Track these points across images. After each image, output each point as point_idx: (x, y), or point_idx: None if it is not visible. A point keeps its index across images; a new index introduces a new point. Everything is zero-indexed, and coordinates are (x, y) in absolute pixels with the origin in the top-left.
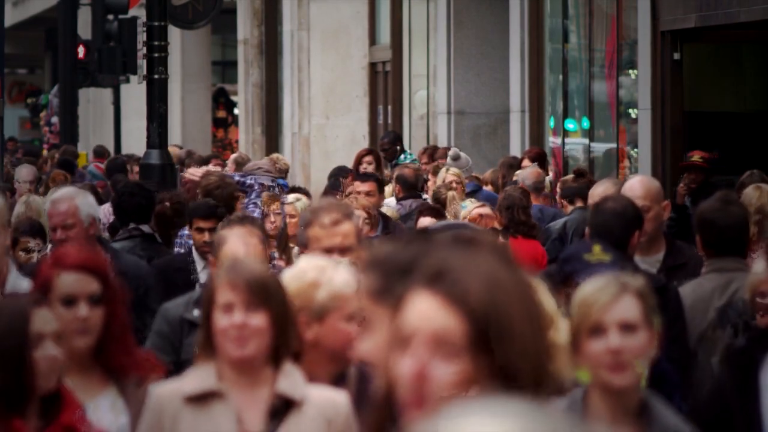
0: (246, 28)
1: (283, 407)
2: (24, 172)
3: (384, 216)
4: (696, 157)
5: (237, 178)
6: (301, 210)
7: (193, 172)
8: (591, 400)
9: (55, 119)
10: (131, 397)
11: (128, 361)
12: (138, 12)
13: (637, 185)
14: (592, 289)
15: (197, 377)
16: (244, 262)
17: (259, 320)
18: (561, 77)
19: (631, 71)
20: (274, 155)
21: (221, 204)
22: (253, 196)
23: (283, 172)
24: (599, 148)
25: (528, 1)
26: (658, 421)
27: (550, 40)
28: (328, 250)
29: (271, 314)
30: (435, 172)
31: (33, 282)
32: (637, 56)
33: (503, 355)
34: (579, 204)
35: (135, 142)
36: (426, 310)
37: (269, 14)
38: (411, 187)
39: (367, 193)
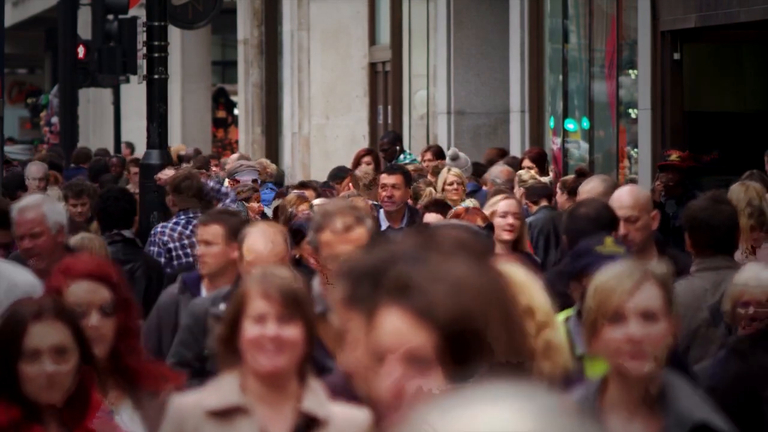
0: (246, 28)
1: (306, 426)
2: (34, 170)
3: (411, 209)
4: (674, 156)
5: (211, 184)
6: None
7: (166, 173)
8: (608, 388)
9: (55, 119)
10: (147, 410)
11: (143, 373)
12: (138, 12)
13: (626, 195)
14: (612, 275)
15: (220, 390)
16: (275, 271)
17: (292, 332)
18: (561, 77)
19: (631, 71)
20: (261, 160)
21: (191, 196)
22: (227, 201)
23: (273, 177)
24: (599, 148)
25: (528, 1)
26: (675, 409)
27: (550, 40)
28: (335, 257)
29: (303, 326)
30: (435, 173)
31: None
32: (637, 56)
33: (479, 363)
34: (543, 204)
35: (135, 142)
36: (395, 327)
37: (269, 14)
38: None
39: (393, 186)
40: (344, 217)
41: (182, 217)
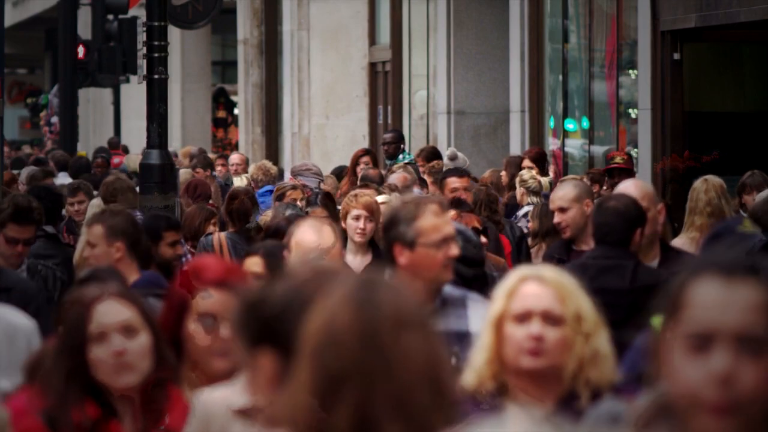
0: (246, 28)
1: None
2: (28, 173)
3: None
4: (618, 158)
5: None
6: None
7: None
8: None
9: (55, 119)
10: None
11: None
12: (138, 12)
13: (632, 188)
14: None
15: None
16: (313, 262)
17: None
18: (561, 77)
19: (631, 71)
20: (263, 162)
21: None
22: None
23: (275, 179)
24: (599, 148)
25: (528, 1)
26: None
27: (550, 40)
28: (445, 239)
29: None
30: (432, 173)
31: (167, 297)
32: (637, 56)
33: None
34: None
35: (135, 142)
36: (266, 372)
37: (269, 14)
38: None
39: (465, 189)
40: (431, 203)
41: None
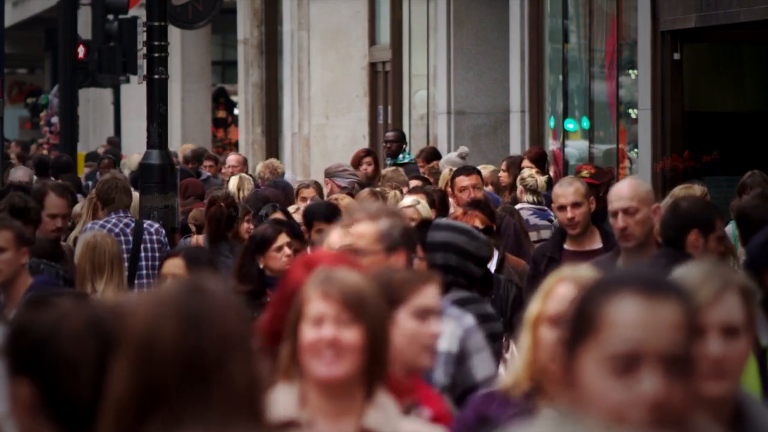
0: (246, 28)
1: None
2: (20, 174)
3: None
4: (584, 172)
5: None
6: (424, 214)
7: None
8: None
9: (55, 119)
10: None
11: (389, 384)
12: (138, 12)
13: (625, 187)
14: (689, 282)
15: (276, 402)
16: (340, 272)
17: (352, 336)
18: (561, 77)
19: (631, 71)
20: (271, 161)
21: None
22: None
23: (280, 177)
24: (599, 148)
25: (528, 1)
26: (754, 428)
27: (550, 40)
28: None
29: (366, 331)
30: (433, 173)
31: (278, 290)
32: (637, 56)
33: None
34: None
35: (135, 142)
36: (22, 402)
37: (269, 14)
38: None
39: (474, 186)
40: (355, 211)
41: (113, 217)
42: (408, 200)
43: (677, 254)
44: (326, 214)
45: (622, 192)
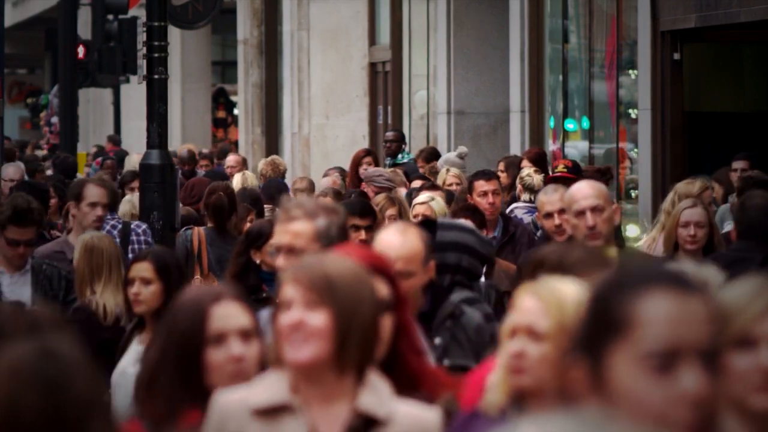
0: (246, 28)
1: (363, 426)
2: (11, 171)
3: (505, 217)
4: (560, 167)
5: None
6: (438, 210)
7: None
8: (725, 422)
9: (55, 119)
10: None
11: (422, 374)
12: (138, 12)
13: (586, 187)
14: (740, 292)
15: (268, 387)
16: (320, 257)
17: (319, 319)
18: (561, 77)
19: (631, 71)
20: (273, 158)
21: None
22: None
23: (284, 175)
24: (599, 148)
25: (528, 1)
26: None
27: (550, 40)
28: (278, 248)
29: (335, 313)
30: (433, 173)
31: None
32: (637, 56)
33: None
34: None
35: (135, 142)
36: None
37: (269, 14)
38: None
39: (494, 192)
40: (291, 209)
41: (109, 218)
42: (423, 197)
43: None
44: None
45: (586, 191)
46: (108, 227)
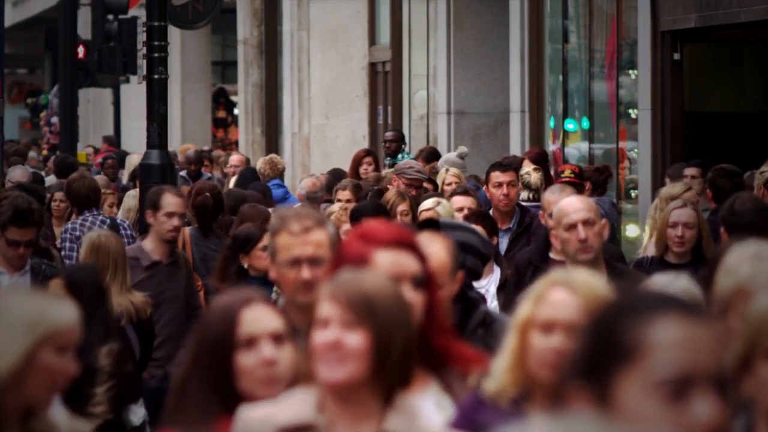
0: (246, 28)
1: None
2: (18, 173)
3: (522, 208)
4: (567, 171)
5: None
6: (444, 215)
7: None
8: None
9: (55, 119)
10: (458, 394)
11: (452, 353)
12: (138, 12)
13: (576, 201)
14: None
15: (294, 405)
16: (359, 275)
17: (356, 339)
18: (561, 77)
19: (631, 71)
20: (272, 156)
21: (82, 195)
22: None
23: (282, 173)
24: (599, 148)
25: (528, 1)
26: None
27: (550, 40)
28: (297, 260)
29: (373, 334)
30: (434, 173)
31: (337, 259)
32: (637, 56)
33: None
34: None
35: (135, 142)
36: None
37: (269, 14)
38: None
39: (509, 183)
40: (302, 219)
41: (88, 215)
42: (429, 202)
43: None
44: (374, 212)
45: (576, 205)
46: (97, 223)
